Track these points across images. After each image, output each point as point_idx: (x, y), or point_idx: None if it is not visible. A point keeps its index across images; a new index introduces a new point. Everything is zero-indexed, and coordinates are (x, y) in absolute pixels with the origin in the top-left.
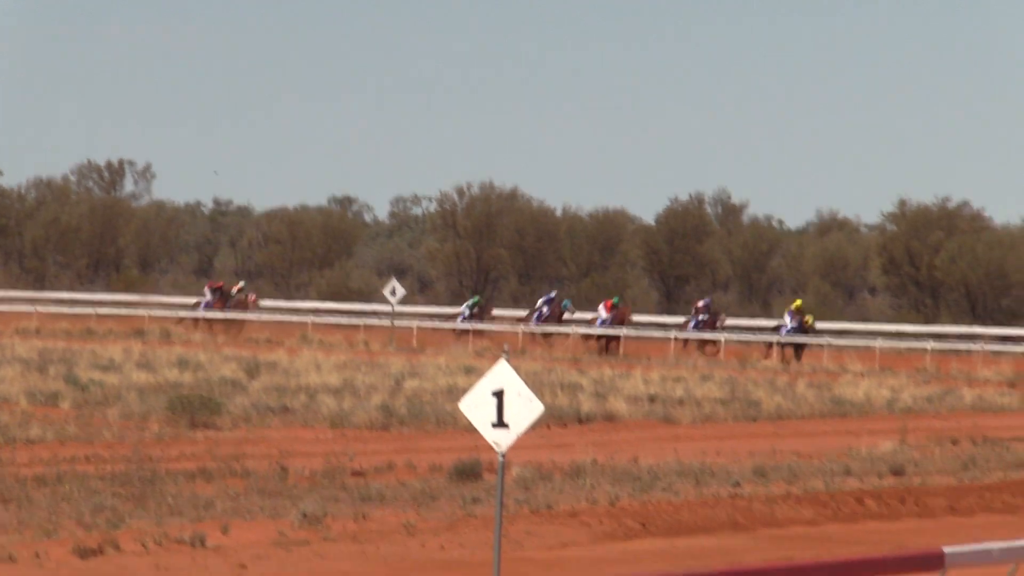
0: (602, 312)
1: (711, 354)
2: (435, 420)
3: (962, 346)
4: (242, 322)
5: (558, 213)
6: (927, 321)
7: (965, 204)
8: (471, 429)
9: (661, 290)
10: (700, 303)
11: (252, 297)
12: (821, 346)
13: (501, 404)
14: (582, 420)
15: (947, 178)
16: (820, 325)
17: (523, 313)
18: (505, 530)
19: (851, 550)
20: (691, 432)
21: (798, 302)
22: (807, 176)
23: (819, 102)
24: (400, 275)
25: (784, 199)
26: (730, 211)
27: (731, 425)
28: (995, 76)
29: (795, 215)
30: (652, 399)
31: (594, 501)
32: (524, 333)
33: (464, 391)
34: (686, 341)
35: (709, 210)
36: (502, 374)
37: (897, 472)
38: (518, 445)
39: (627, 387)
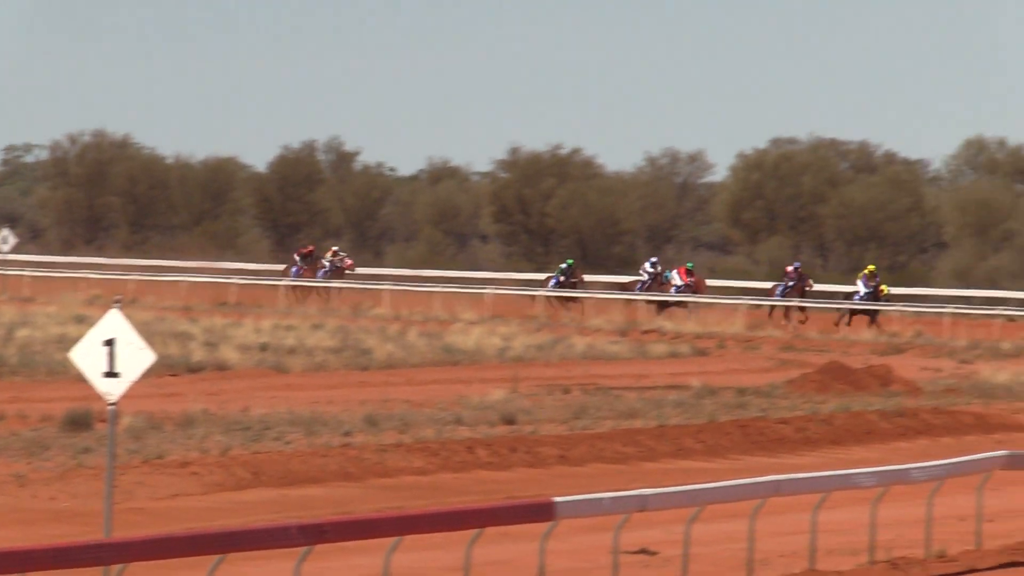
0: (676, 279)
1: (800, 321)
2: (46, 369)
3: (578, 293)
4: (337, 290)
5: (170, 161)
6: (539, 269)
7: (576, 151)
8: (83, 378)
9: (273, 238)
10: (790, 268)
11: (348, 262)
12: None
13: (112, 353)
14: (193, 369)
15: (559, 126)
16: (435, 273)
17: (620, 279)
18: (116, 480)
19: (463, 499)
20: (303, 381)
21: (871, 267)
22: (419, 124)
23: (430, 50)
24: (12, 223)
25: (396, 147)
26: (342, 159)
27: (343, 374)
28: (610, 21)
29: (407, 163)
30: (264, 348)
31: (205, 451)
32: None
33: (76, 340)
34: (772, 308)
35: (321, 158)
36: (113, 323)
37: (509, 421)
38: (129, 394)
39: (238, 336)
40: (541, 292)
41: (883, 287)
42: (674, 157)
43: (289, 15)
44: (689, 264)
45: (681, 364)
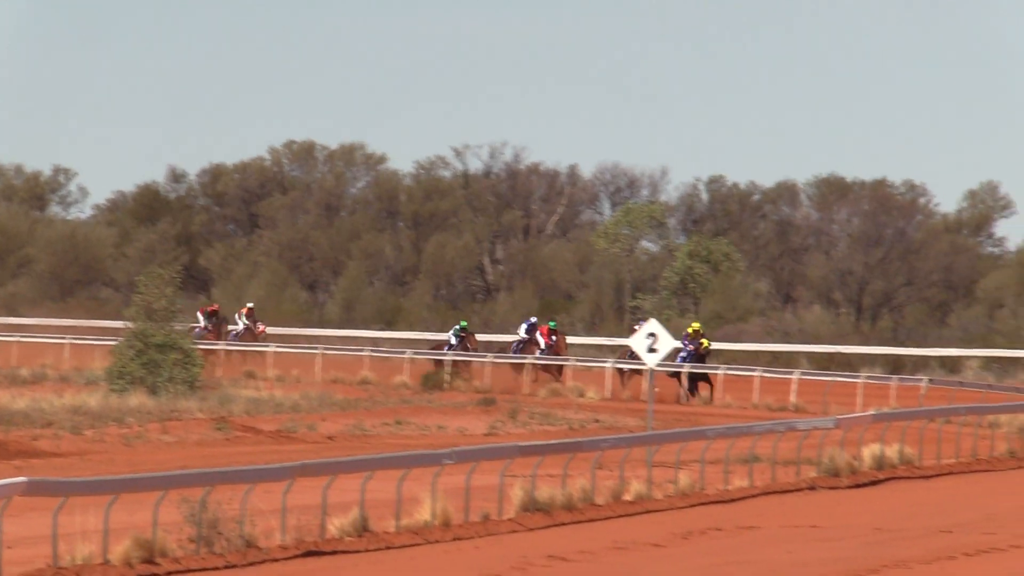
0: (540, 341)
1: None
2: None
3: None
4: (256, 355)
5: None
6: None
7: None
8: None
9: None
10: (636, 327)
11: (261, 327)
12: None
13: None
14: None
15: None
16: None
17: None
18: None
19: None
20: None
21: (695, 324)
22: None
23: None
24: None
25: None
26: None
27: None
28: None
29: None
30: None
31: None
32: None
33: None
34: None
35: None
36: None
37: None
38: None
39: None
40: (442, 356)
41: (704, 342)
42: None
43: None
44: (552, 323)
45: None
